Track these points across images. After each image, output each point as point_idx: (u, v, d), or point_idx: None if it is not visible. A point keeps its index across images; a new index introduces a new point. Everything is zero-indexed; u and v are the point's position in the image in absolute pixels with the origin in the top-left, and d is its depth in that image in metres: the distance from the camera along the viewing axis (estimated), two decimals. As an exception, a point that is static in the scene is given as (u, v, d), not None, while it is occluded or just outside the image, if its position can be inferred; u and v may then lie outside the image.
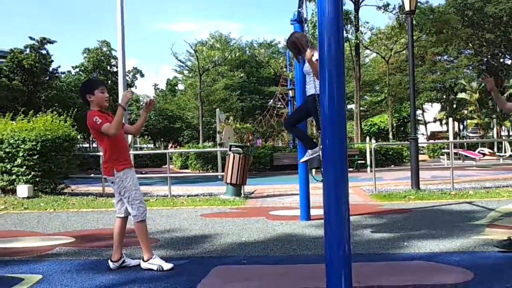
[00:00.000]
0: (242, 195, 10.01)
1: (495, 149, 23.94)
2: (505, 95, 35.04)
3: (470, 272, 3.84)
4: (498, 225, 5.87)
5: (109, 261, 4.33)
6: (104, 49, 46.25)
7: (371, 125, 44.56)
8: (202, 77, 34.21)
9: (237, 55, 37.28)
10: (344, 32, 25.91)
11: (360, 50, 29.45)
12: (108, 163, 4.25)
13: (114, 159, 4.22)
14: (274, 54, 45.45)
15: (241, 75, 43.10)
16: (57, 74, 37.26)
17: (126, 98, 4.28)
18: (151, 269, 4.19)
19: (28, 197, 9.90)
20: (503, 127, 38.56)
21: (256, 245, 5.16)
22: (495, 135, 35.42)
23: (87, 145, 42.71)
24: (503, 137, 36.90)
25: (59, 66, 37.84)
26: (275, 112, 32.21)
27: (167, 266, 4.19)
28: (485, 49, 37.14)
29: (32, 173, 10.32)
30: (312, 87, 5.17)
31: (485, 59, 38.47)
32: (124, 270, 4.28)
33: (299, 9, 6.25)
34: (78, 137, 12.61)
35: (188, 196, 10.26)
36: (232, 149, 10.00)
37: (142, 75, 52.09)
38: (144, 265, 4.25)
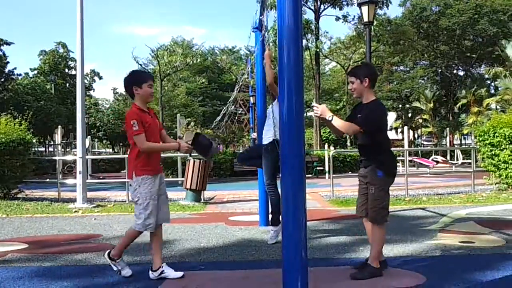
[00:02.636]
0: (202, 200, 9.98)
1: (448, 157, 24.76)
2: (458, 105, 36.41)
3: (423, 276, 3.97)
4: (449, 230, 6.09)
5: (149, 271, 4.13)
6: (61, 50, 45.10)
7: (329, 133, 45.19)
8: (163, 82, 33.87)
9: (198, 61, 37.12)
10: (304, 40, 26.33)
11: (320, 59, 29.95)
12: (130, 163, 4.06)
13: (137, 162, 3.98)
14: (236, 61, 45.57)
15: (203, 80, 42.95)
16: (13, 76, 35.86)
17: (183, 149, 4.05)
18: (111, 267, 4.14)
19: (-22, 202, 9.54)
20: (455, 136, 39.98)
21: (215, 251, 5.16)
22: (448, 144, 36.66)
23: (43, 149, 41.34)
24: (456, 146, 38.24)
25: (15, 68, 36.40)
26: (236, 118, 32.20)
27: (126, 273, 4.13)
28: (439, 61, 38.53)
29: (-16, 177, 9.97)
30: (271, 133, 4.81)
31: (440, 70, 39.89)
32: (78, 276, 4.19)
33: (260, 17, 6.32)
34: (34, 140, 12.22)
35: (146, 201, 10.10)
36: (192, 154, 9.94)
37: (100, 78, 51.33)
38: (106, 258, 4.17)
